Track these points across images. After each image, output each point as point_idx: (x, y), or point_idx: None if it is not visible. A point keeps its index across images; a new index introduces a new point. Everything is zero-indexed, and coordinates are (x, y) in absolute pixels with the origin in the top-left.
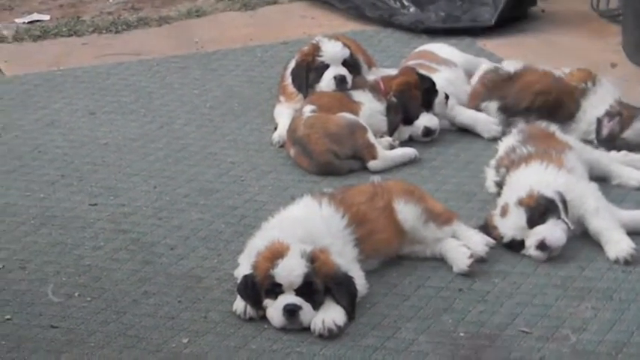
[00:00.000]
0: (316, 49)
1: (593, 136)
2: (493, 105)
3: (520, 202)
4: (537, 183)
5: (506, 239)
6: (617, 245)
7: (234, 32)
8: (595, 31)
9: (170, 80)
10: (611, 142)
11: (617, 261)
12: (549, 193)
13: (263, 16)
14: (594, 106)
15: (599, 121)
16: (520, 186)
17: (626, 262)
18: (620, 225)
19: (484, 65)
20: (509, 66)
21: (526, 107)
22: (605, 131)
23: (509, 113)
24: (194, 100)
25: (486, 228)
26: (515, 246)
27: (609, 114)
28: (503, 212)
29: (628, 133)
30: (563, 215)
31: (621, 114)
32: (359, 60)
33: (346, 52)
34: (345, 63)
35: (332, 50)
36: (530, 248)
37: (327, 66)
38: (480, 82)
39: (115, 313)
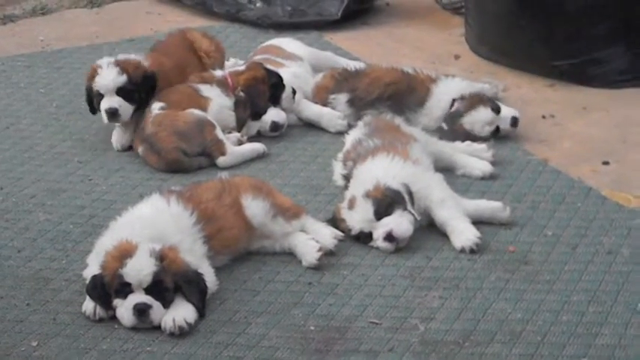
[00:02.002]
0: (92, 75)
1: (444, 123)
2: (342, 97)
3: (367, 195)
4: (383, 175)
5: (354, 232)
6: (463, 235)
7: (80, 30)
8: (438, 23)
9: (16, 79)
10: (452, 122)
11: (462, 250)
12: (395, 185)
13: (109, 14)
14: (447, 92)
15: (454, 102)
16: (367, 178)
17: (472, 251)
18: (465, 215)
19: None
20: (354, 65)
21: (377, 97)
22: (452, 109)
23: (359, 105)
24: (40, 100)
25: (334, 221)
26: (364, 238)
27: (463, 97)
28: (351, 205)
29: (465, 120)
30: (409, 207)
31: (470, 99)
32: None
33: (120, 80)
34: (120, 91)
35: (102, 81)
36: (378, 240)
37: (102, 95)
38: (328, 76)
39: None
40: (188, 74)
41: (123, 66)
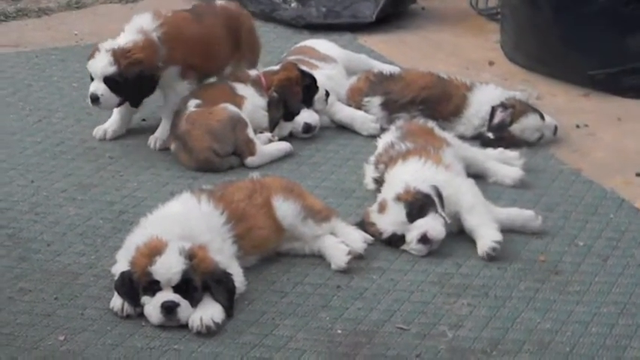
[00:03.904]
0: (91, 54)
1: (484, 129)
2: (376, 100)
3: (398, 198)
4: (413, 179)
5: (386, 235)
6: (484, 240)
7: (115, 25)
8: (474, 29)
9: (49, 73)
10: (500, 132)
11: (482, 258)
12: (425, 188)
13: (143, 9)
14: (485, 101)
15: (493, 110)
16: (397, 182)
17: (490, 258)
18: (494, 221)
19: None
20: (389, 69)
21: (410, 101)
22: (496, 120)
23: (392, 109)
24: (73, 94)
25: (363, 225)
26: (396, 241)
27: (504, 105)
28: (381, 208)
29: (515, 127)
30: (440, 209)
31: (514, 107)
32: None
33: (109, 70)
34: (107, 80)
35: (92, 64)
36: (412, 242)
37: (92, 78)
38: (363, 78)
39: None
40: (216, 52)
41: (118, 57)
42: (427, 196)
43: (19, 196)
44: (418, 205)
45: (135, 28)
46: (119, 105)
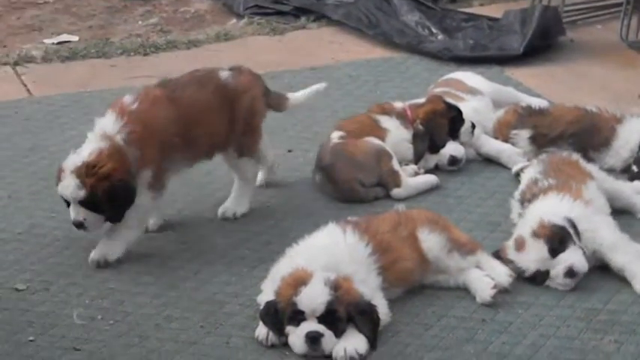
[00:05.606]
0: (58, 177)
1: (634, 166)
2: (525, 133)
3: (536, 234)
4: (546, 213)
5: (529, 272)
6: None
7: (263, 57)
8: (623, 62)
9: None
10: None
11: None
12: (559, 220)
13: (291, 41)
14: (634, 132)
15: None
16: (532, 217)
17: None
18: None
19: None
20: (537, 103)
21: (559, 135)
22: None
23: (541, 143)
24: None
25: (499, 259)
26: (540, 278)
27: None
28: (519, 246)
29: None
30: (577, 241)
31: None
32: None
33: (79, 194)
34: (83, 203)
35: (62, 190)
36: (558, 277)
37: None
38: (511, 111)
39: (137, 337)
40: (198, 134)
41: (83, 177)
42: (563, 229)
43: (167, 225)
44: (558, 239)
45: (98, 135)
46: (107, 221)
